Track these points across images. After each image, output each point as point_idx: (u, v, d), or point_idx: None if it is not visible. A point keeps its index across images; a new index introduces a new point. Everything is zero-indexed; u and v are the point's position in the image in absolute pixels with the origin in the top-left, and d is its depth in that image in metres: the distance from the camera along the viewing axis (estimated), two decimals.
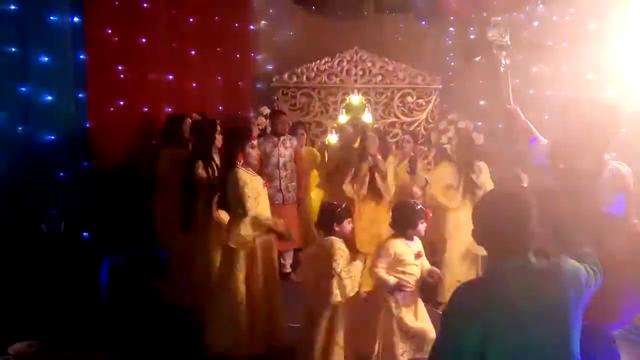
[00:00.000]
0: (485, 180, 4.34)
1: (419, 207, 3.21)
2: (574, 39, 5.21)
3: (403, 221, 3.18)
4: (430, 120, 6.36)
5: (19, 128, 4.55)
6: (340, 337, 3.07)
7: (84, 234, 4.73)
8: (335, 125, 6.17)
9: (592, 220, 2.13)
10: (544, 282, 1.69)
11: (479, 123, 5.13)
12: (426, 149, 6.21)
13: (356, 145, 4.84)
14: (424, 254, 3.23)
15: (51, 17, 4.66)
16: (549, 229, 2.20)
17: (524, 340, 1.61)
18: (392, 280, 3.07)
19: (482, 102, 6.19)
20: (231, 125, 4.46)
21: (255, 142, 3.76)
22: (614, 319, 2.19)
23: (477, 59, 3.04)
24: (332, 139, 6.05)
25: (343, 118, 6.04)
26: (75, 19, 4.82)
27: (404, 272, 3.11)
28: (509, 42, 3.01)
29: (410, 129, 6.33)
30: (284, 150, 5.05)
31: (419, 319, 3.18)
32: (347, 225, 3.13)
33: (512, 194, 1.83)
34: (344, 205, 3.20)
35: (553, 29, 5.57)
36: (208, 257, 3.94)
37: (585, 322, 1.72)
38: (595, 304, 1.78)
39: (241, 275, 3.49)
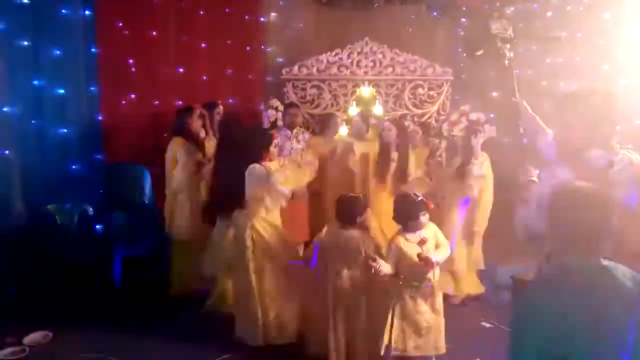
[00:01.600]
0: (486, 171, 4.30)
1: (419, 198, 3.20)
2: (588, 29, 5.13)
3: (404, 213, 3.19)
4: (442, 112, 6.31)
5: (32, 121, 4.59)
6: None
7: (97, 226, 4.78)
8: (345, 117, 6.14)
9: None
10: (611, 285, 1.63)
11: (492, 115, 5.08)
12: (437, 141, 6.16)
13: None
14: (428, 240, 3.17)
15: (63, 11, 4.69)
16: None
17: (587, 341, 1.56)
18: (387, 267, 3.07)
19: (494, 94, 6.13)
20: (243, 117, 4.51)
21: (277, 140, 3.83)
22: None
23: (480, 52, 3.02)
24: (342, 131, 6.02)
25: (353, 110, 6.00)
26: (87, 13, 4.85)
27: (411, 267, 3.10)
28: (512, 35, 2.98)
29: (422, 120, 6.28)
30: (297, 144, 5.03)
31: (435, 312, 3.17)
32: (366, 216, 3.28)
33: (597, 192, 1.76)
34: (362, 197, 3.30)
35: (567, 19, 5.48)
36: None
37: None
38: None
39: (251, 265, 3.52)
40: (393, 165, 4.53)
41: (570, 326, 1.56)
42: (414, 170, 4.61)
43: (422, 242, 3.13)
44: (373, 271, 3.03)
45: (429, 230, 3.23)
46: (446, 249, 3.23)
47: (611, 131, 2.34)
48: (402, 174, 4.49)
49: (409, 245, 3.13)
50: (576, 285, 1.62)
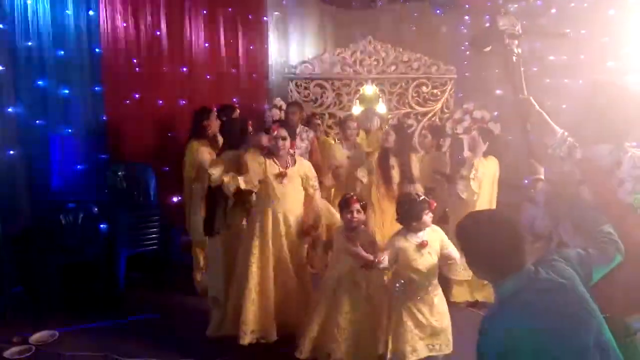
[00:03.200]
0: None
1: (421, 198, 3.18)
2: (593, 25, 5.11)
3: (406, 214, 3.16)
4: (446, 110, 6.30)
5: (37, 121, 4.60)
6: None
7: (102, 225, 4.79)
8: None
9: (614, 212, 2.09)
10: (554, 284, 1.68)
11: (496, 113, 5.07)
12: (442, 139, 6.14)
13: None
14: (429, 243, 3.13)
15: (67, 11, 4.69)
16: (569, 222, 2.18)
17: (563, 344, 1.59)
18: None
19: (498, 92, 6.11)
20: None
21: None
22: (636, 311, 2.15)
23: (488, 49, 3.00)
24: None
25: (357, 109, 6.00)
26: (91, 13, 4.86)
27: (408, 267, 3.10)
28: (520, 31, 2.96)
29: (426, 119, 6.28)
30: (300, 142, 5.02)
31: (435, 315, 3.13)
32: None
33: (498, 218, 1.83)
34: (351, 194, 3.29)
35: (571, 16, 5.46)
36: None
37: (607, 315, 1.70)
38: (618, 297, 1.75)
39: (254, 259, 3.48)
40: (394, 171, 4.44)
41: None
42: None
43: (421, 246, 3.10)
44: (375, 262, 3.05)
45: (435, 235, 3.19)
46: (455, 253, 3.16)
47: (623, 128, 2.30)
48: (404, 179, 4.40)
49: (407, 246, 3.11)
50: (529, 303, 1.65)
